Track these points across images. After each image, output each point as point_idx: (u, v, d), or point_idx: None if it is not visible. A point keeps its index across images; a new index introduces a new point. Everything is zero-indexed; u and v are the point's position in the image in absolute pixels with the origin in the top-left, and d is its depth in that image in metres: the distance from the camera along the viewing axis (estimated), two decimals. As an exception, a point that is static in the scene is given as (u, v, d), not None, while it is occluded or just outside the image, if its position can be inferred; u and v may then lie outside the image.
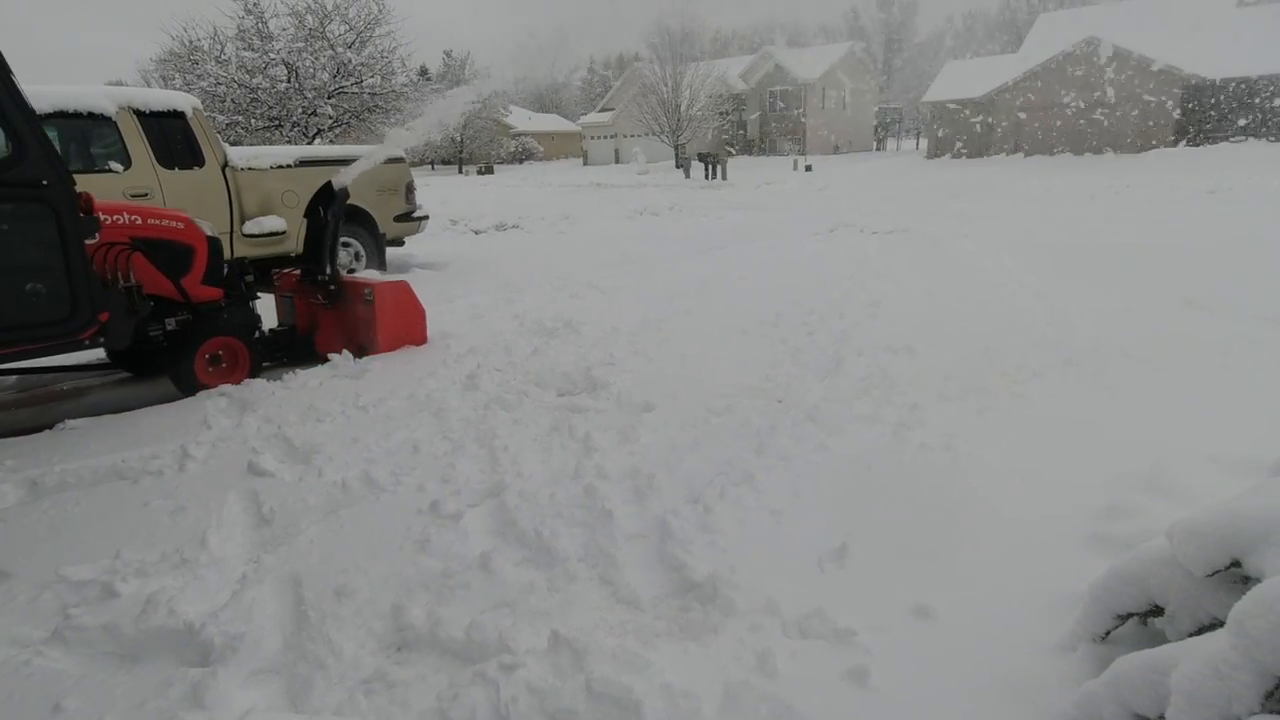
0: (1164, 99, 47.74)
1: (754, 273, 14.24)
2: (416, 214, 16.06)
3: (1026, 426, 6.34)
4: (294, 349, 9.31)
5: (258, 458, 5.98)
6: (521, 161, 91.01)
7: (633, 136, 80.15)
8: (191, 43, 37.77)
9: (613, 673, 3.47)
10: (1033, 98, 53.16)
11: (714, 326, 10.06)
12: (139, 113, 11.72)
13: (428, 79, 76.65)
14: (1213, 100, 46.83)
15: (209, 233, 8.32)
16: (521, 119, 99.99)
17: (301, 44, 35.62)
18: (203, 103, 22.09)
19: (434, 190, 41.92)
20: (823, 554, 4.48)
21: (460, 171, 78.00)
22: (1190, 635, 3.00)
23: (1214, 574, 2.93)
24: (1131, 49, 47.84)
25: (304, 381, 7.94)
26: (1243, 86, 45.36)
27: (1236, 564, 2.83)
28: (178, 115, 12.20)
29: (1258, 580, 2.65)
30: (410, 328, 9.32)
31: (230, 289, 8.54)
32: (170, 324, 8.00)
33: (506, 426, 6.65)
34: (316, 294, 9.35)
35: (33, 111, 6.49)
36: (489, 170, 77.54)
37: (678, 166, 63.50)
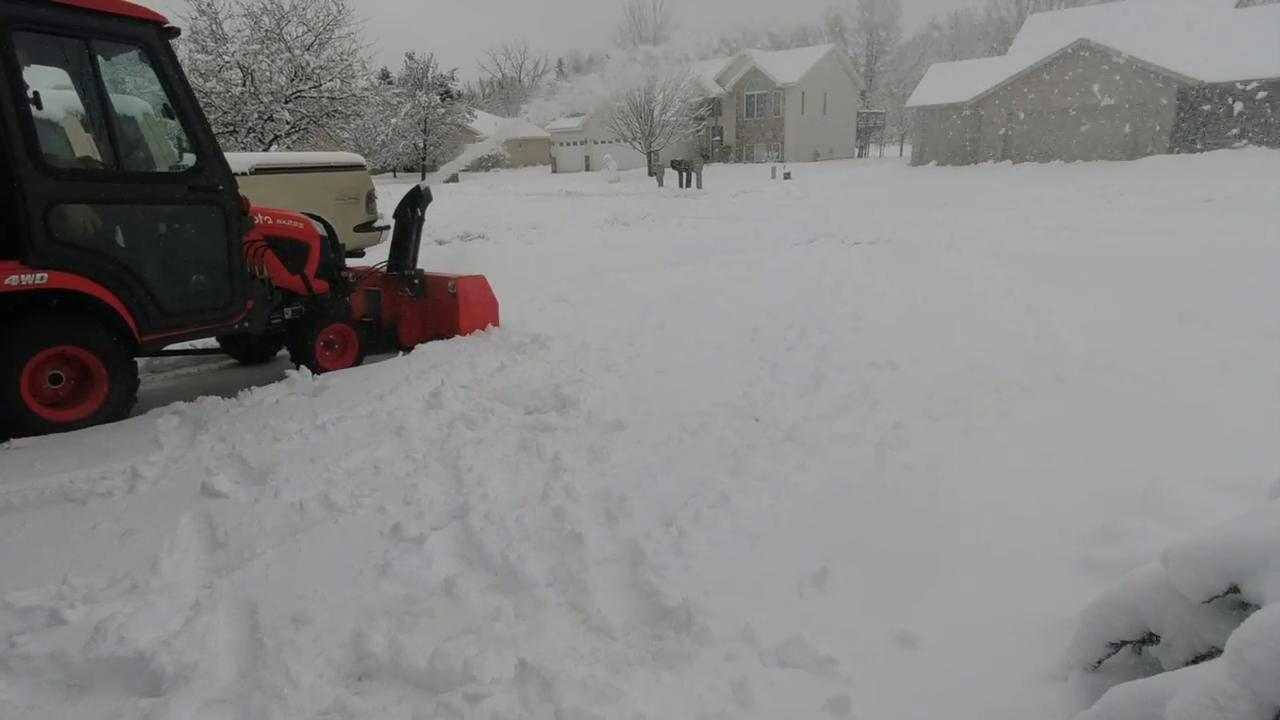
0: (1158, 104, 47.84)
1: (730, 285, 14.26)
2: (378, 224, 16.03)
3: (1015, 446, 6.39)
4: (380, 338, 10.66)
5: (211, 478, 5.96)
6: (488, 169, 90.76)
7: (603, 143, 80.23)
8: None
9: (583, 703, 3.48)
10: (1022, 102, 53.31)
11: (688, 341, 10.08)
12: None
13: (389, 82, 76.49)
14: (1209, 105, 46.93)
15: (321, 232, 9.89)
16: (487, 124, 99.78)
17: (257, 46, 35.45)
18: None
19: (396, 199, 41.70)
20: (802, 579, 4.51)
21: (423, 179, 77.76)
22: (1186, 664, 3.01)
23: (1211, 600, 2.93)
24: (1124, 51, 47.91)
25: (260, 399, 7.93)
26: (1241, 90, 45.51)
27: (1235, 589, 2.83)
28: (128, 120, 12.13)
29: (1257, 607, 2.65)
30: (486, 316, 10.72)
31: (333, 282, 10.06)
32: (288, 313, 9.45)
33: (471, 446, 6.65)
34: (403, 288, 10.78)
35: (209, 125, 8.12)
36: (453, 178, 77.38)
37: (650, 174, 63.54)
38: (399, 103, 70.53)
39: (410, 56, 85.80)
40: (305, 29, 37.34)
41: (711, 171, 61.97)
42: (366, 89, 40.15)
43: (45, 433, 7.08)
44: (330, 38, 38.05)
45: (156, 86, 7.85)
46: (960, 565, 4.60)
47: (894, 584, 4.45)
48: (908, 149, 78.59)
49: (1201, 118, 47.29)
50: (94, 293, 7.37)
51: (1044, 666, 3.64)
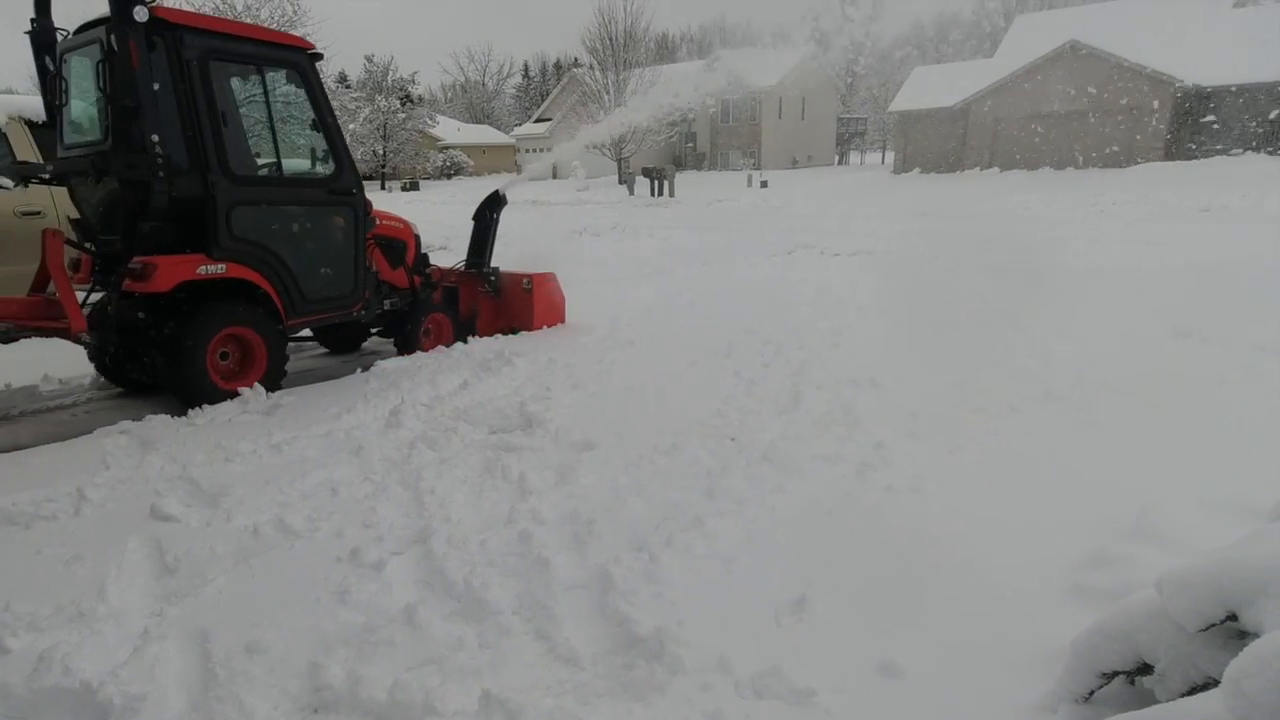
0: (1153, 108, 47.83)
1: (704, 298, 14.37)
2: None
3: (1002, 467, 6.42)
4: (458, 330, 12.03)
5: (161, 501, 5.95)
6: (450, 177, 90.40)
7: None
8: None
9: (550, 735, 3.49)
10: (1009, 107, 53.27)
11: (660, 357, 10.12)
12: (31, 124, 11.65)
13: (347, 85, 76.29)
14: (1207, 110, 47.07)
15: (415, 232, 11.59)
16: (450, 130, 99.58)
17: (208, 47, 35.28)
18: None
19: (353, 207, 41.60)
20: (780, 606, 4.52)
21: (383, 187, 77.22)
22: (1182, 695, 3.00)
23: (1208, 628, 2.92)
24: (1118, 54, 47.89)
25: (211, 417, 7.94)
26: (1240, 95, 45.59)
27: (1233, 617, 2.83)
28: None
29: (1255, 635, 2.62)
30: (556, 311, 12.43)
31: (423, 277, 11.62)
32: (387, 304, 10.96)
33: (433, 467, 6.65)
34: (480, 284, 12.44)
35: (344, 137, 9.95)
36: (414, 186, 76.88)
37: (621, 182, 63.47)
38: (357, 107, 70.35)
39: (369, 59, 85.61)
40: (259, 30, 37.16)
41: (684, 179, 61.91)
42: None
43: (218, 401, 8.51)
44: (285, 39, 37.89)
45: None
46: (945, 592, 4.61)
47: (876, 611, 4.46)
48: (890, 156, 78.72)
49: (1198, 123, 47.39)
50: (257, 281, 9.04)
51: (1033, 698, 3.64)
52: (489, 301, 12.54)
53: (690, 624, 4.29)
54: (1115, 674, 3.34)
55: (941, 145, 57.62)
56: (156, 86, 8.11)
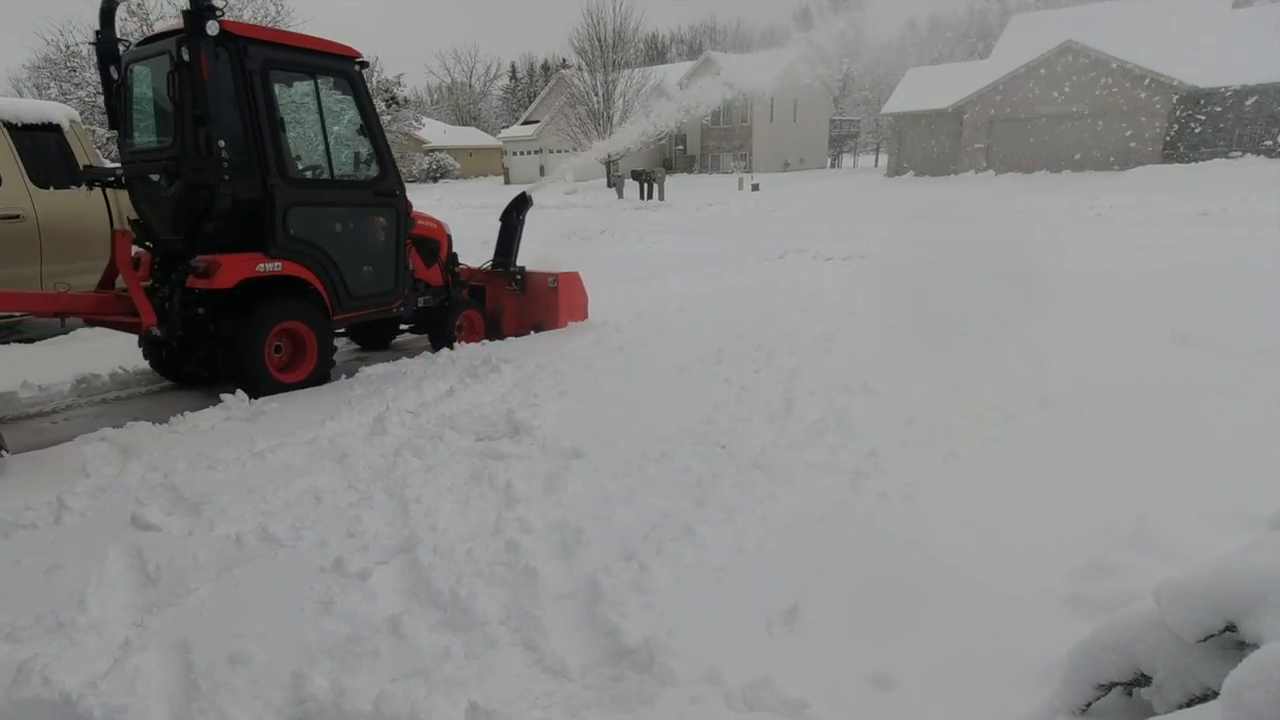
0: (1151, 110, 47.91)
1: (694, 304, 14.37)
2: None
3: (998, 475, 6.41)
4: (489, 326, 12.70)
5: (142, 509, 5.93)
6: (436, 180, 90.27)
7: (560, 152, 79.87)
8: (69, 48, 37.07)
9: (538, 747, 3.48)
10: (1005, 109, 53.35)
11: (649, 363, 10.10)
12: (9, 125, 11.65)
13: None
14: (1205, 112, 47.07)
15: (448, 232, 12.25)
16: (436, 133, 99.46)
17: (190, 48, 35.09)
18: (82, 114, 21.83)
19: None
20: (771, 617, 4.52)
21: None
22: (1180, 707, 3.00)
23: (1207, 639, 2.92)
24: (1115, 55, 48.01)
25: (193, 424, 7.91)
26: (1239, 96, 45.60)
27: (1232, 628, 2.82)
28: (52, 128, 12.13)
29: (1255, 646, 2.63)
30: (580, 309, 13.11)
31: (453, 276, 12.32)
32: (421, 302, 11.60)
33: (419, 474, 6.64)
34: (507, 282, 13.18)
35: (388, 141, 10.70)
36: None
37: (610, 185, 63.39)
38: (341, 110, 70.26)
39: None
40: (240, 28, 36.99)
41: (674, 182, 61.87)
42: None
43: (277, 391, 9.13)
44: (267, 38, 37.73)
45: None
46: (939, 602, 4.60)
47: (869, 622, 4.45)
48: (883, 159, 78.78)
49: (1197, 125, 47.41)
50: (308, 278, 9.68)
51: (1029, 709, 3.62)
52: (514, 299, 13.23)
53: (680, 634, 4.27)
54: (1113, 685, 3.33)
55: (936, 148, 57.71)
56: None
